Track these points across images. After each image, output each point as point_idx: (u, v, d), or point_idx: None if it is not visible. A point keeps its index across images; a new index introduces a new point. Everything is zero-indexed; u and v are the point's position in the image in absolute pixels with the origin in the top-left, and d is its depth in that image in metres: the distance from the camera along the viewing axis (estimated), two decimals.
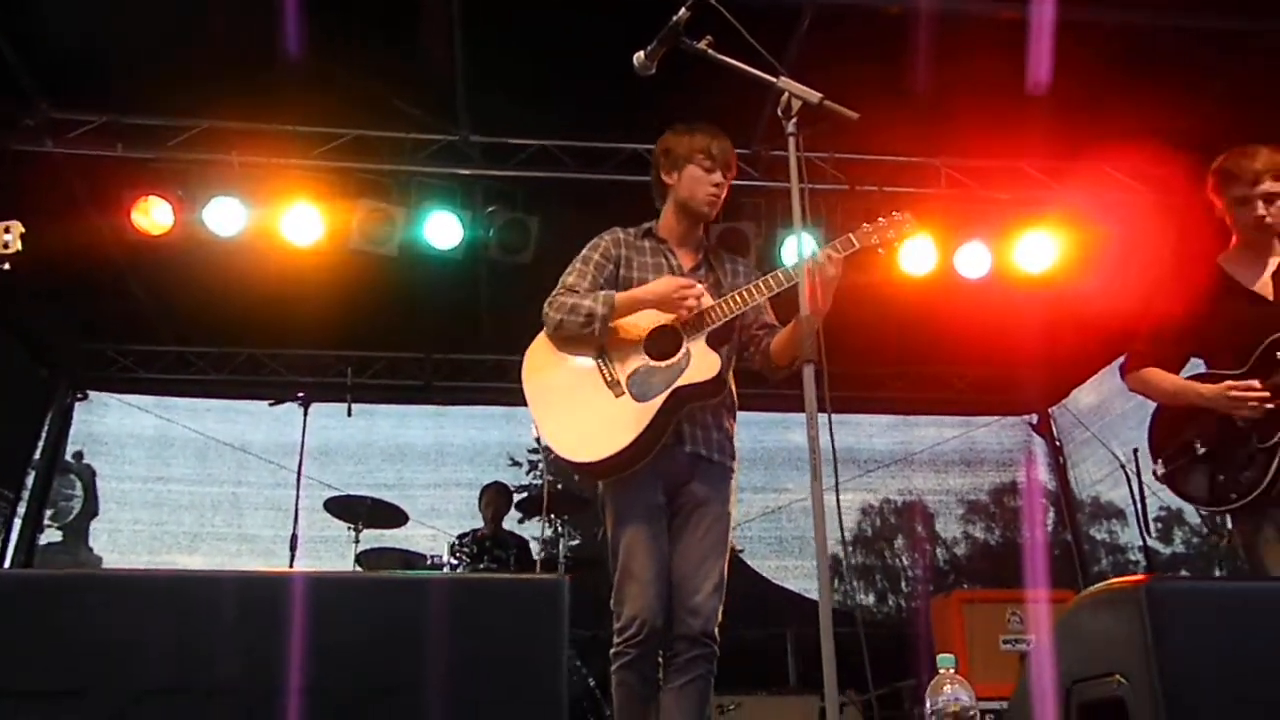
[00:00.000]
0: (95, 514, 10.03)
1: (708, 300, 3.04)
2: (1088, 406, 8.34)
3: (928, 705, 2.18)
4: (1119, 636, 1.27)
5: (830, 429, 2.31)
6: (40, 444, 7.48)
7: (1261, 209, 3.09)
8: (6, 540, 7.03)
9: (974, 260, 6.32)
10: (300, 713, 1.14)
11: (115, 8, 4.90)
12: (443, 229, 5.93)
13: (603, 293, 3.06)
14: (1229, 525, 3.16)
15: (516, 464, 18.43)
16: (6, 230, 2.70)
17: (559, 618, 1.21)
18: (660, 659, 3.04)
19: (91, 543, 10.33)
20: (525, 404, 3.12)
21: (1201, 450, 3.09)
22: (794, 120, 2.51)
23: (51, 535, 8.95)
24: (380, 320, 7.23)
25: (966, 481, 9.73)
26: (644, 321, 3.05)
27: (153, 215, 5.63)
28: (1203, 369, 3.25)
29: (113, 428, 8.23)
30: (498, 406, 8.51)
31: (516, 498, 6.55)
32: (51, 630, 1.16)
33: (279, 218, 5.77)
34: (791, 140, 2.51)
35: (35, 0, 4.90)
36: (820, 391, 2.31)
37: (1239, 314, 3.14)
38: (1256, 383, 3.00)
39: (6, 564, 6.82)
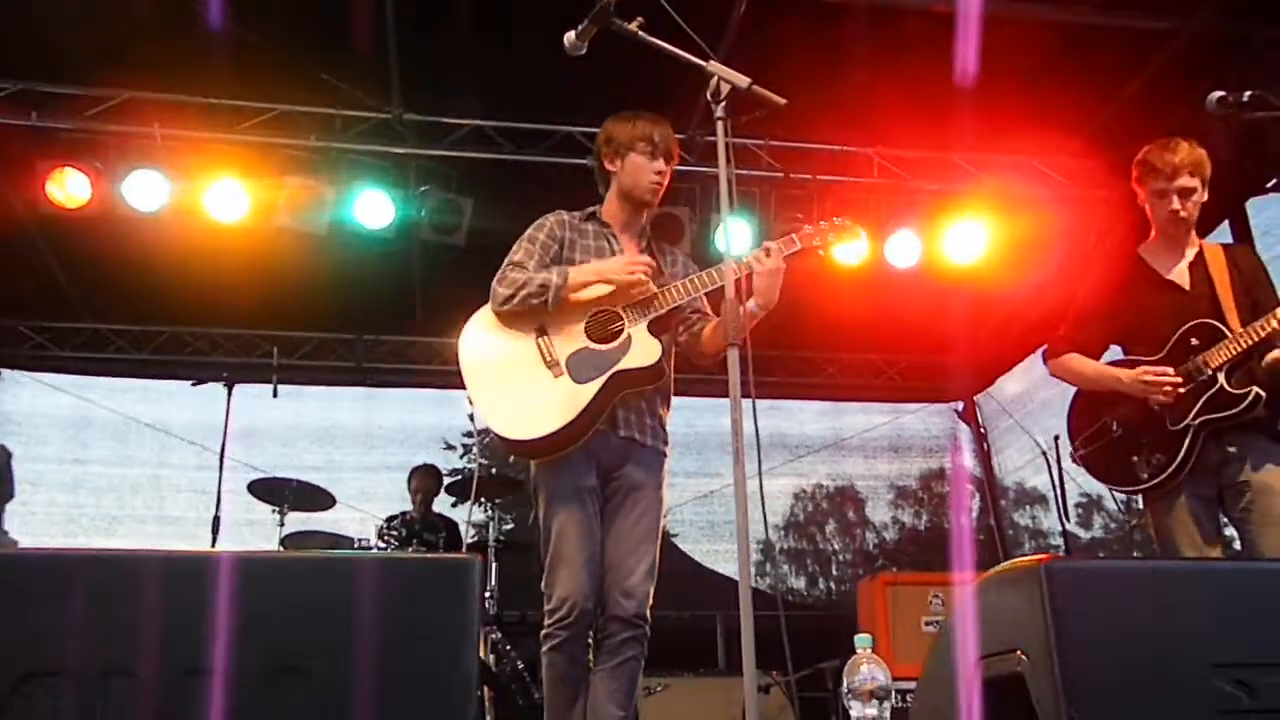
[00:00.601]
0: (11, 496, 9.69)
1: (651, 288, 3.06)
2: (1012, 395, 8.55)
3: (845, 684, 2.22)
4: (1021, 614, 1.30)
5: (755, 413, 2.33)
6: None
7: (1176, 203, 3.19)
8: None
9: (904, 250, 6.41)
10: (211, 693, 1.12)
11: None
12: (374, 208, 5.83)
13: (558, 266, 3.06)
14: (1142, 507, 3.27)
15: (450, 448, 18.27)
16: None
17: (470, 597, 1.21)
18: (591, 641, 3.05)
19: (6, 525, 9.99)
20: (459, 386, 3.10)
21: (1118, 432, 3.19)
22: (723, 105, 2.51)
23: None
24: (309, 300, 7.09)
25: (895, 467, 9.90)
26: (586, 305, 3.04)
27: (69, 187, 5.43)
28: (1121, 355, 3.35)
29: (26, 407, 7.97)
30: (430, 389, 8.42)
31: (447, 481, 6.49)
32: None
33: (203, 193, 5.61)
34: (720, 124, 2.52)
35: None
36: (745, 375, 2.32)
37: (1156, 303, 3.24)
38: (1170, 369, 3.10)
39: None
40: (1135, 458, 3.15)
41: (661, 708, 5.27)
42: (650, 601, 3.02)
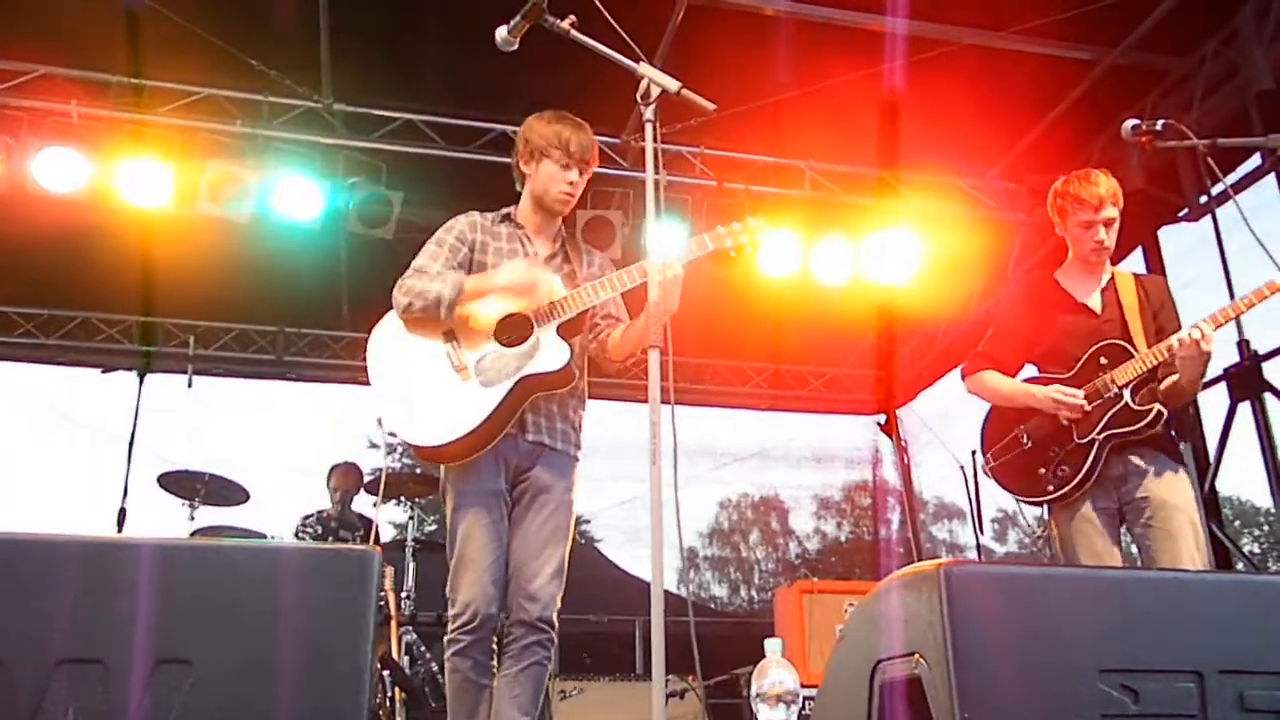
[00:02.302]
0: None
1: (560, 290, 3.02)
2: (932, 410, 8.72)
3: (754, 688, 2.23)
4: (920, 617, 1.32)
5: (673, 416, 2.33)
6: None
7: (1103, 234, 3.29)
8: None
9: (832, 264, 6.50)
10: (85, 683, 1.07)
11: None
12: (300, 198, 5.70)
13: (452, 276, 2.98)
14: (1048, 518, 3.35)
15: (375, 446, 18.01)
16: None
17: (368, 589, 1.18)
18: (496, 645, 3.01)
19: None
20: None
21: (1027, 445, 3.29)
22: (652, 107, 2.50)
23: None
24: (230, 290, 6.93)
25: (818, 478, 10.03)
26: (495, 308, 3.00)
27: None
28: (1035, 374, 3.44)
29: None
30: (356, 385, 8.27)
31: (368, 479, 6.38)
32: None
33: (120, 175, 5.43)
34: (649, 127, 2.51)
35: None
36: (665, 380, 2.32)
37: (1069, 324, 3.35)
38: (1078, 388, 3.20)
39: None
40: (1043, 470, 3.25)
41: (577, 712, 5.25)
42: (557, 605, 2.98)
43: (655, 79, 2.49)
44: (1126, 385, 3.18)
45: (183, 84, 5.42)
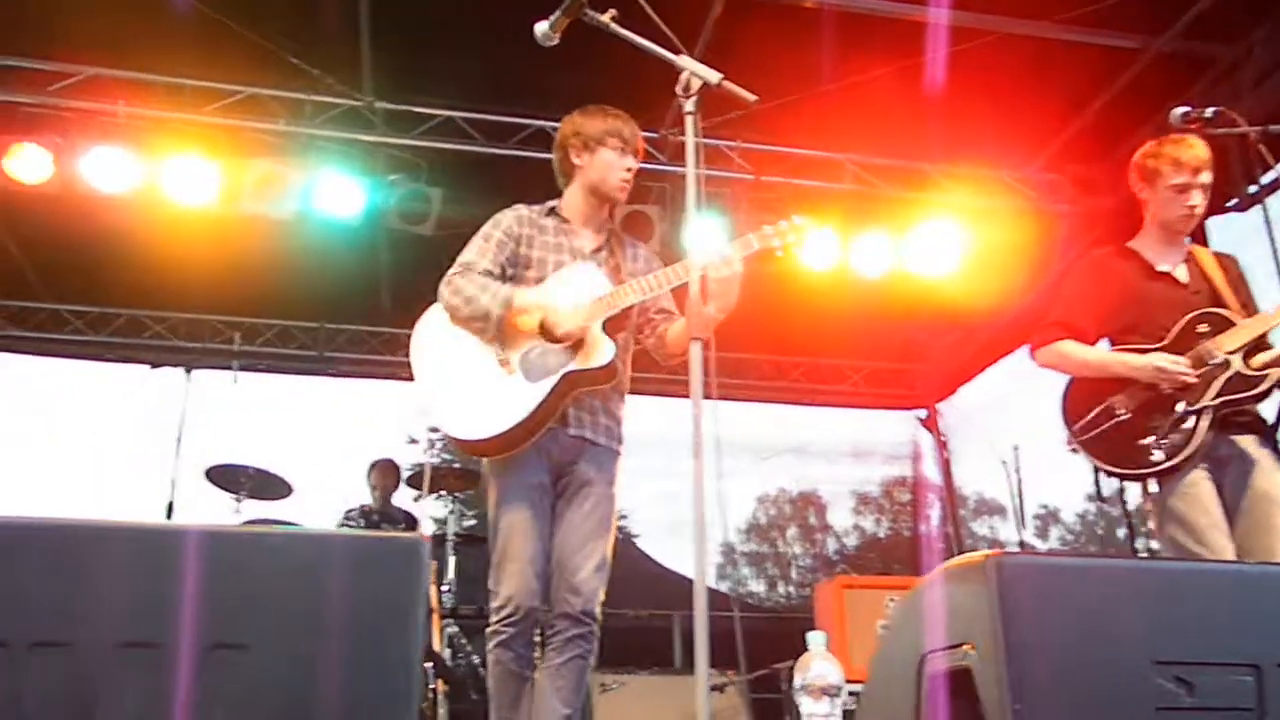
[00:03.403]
0: None
1: (605, 286, 3.02)
2: (974, 404, 8.64)
3: (796, 680, 2.22)
4: (969, 608, 1.31)
5: (715, 408, 2.32)
6: None
7: (1197, 199, 3.19)
8: None
9: (873, 257, 6.46)
10: (143, 665, 1.10)
11: None
12: (342, 196, 5.77)
13: (502, 292, 2.97)
14: (1154, 491, 3.19)
15: (414, 441, 18.18)
16: None
17: (416, 577, 1.19)
18: (539, 638, 3.03)
19: None
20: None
21: (1124, 416, 3.12)
22: (692, 99, 2.49)
23: None
24: (273, 287, 7.02)
25: (858, 473, 9.98)
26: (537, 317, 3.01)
27: (28, 163, 5.33)
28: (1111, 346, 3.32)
29: None
30: (396, 381, 8.35)
31: (407, 474, 6.44)
32: None
33: (167, 174, 5.53)
34: (689, 119, 2.50)
35: None
36: (707, 373, 2.32)
37: (1154, 293, 3.22)
38: (1184, 358, 3.10)
39: None
40: (1146, 440, 3.09)
41: (617, 705, 5.27)
42: (600, 598, 3.00)
43: (696, 71, 2.48)
44: (1235, 352, 3.06)
45: (227, 83, 5.48)
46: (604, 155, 3.14)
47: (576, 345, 2.97)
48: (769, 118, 5.40)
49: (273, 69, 5.40)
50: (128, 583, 1.09)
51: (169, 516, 5.18)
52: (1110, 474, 3.20)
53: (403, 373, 8.32)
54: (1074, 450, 3.24)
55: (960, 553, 8.85)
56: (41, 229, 6.33)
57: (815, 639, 2.31)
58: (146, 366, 5.86)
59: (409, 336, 3.13)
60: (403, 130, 5.79)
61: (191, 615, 1.11)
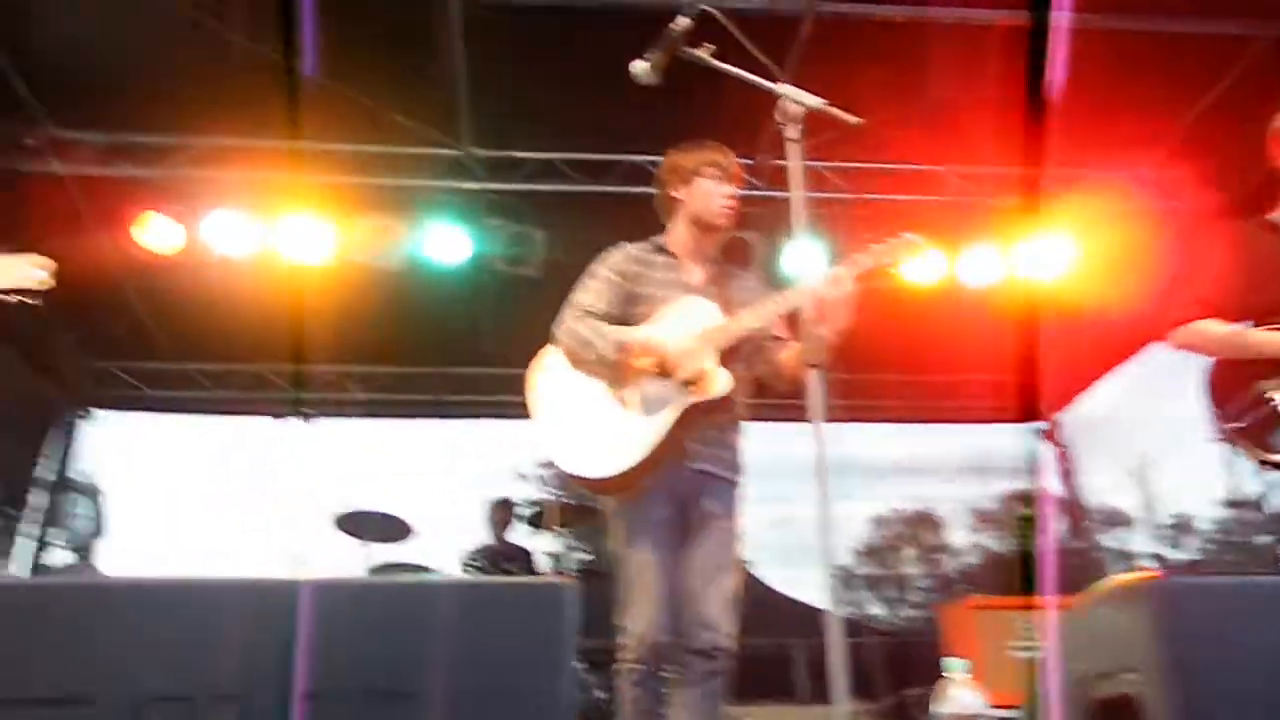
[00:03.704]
0: (102, 533, 10.03)
1: (717, 318, 3.03)
2: (1096, 413, 8.33)
3: (935, 709, 2.16)
4: (1131, 633, 1.25)
5: (835, 434, 2.29)
6: (43, 462, 7.49)
7: None
8: (9, 555, 7.03)
9: (980, 268, 6.32)
10: (304, 717, 1.14)
11: (116, 26, 4.93)
12: (447, 243, 5.95)
13: (616, 336, 3.01)
14: (1265, 499, 3.00)
15: (523, 477, 18.45)
16: (40, 266, 2.72)
17: (563, 621, 1.21)
18: (669, 673, 3.02)
19: (100, 562, 10.33)
20: (530, 417, 3.11)
21: (1277, 402, 2.92)
22: (794, 126, 2.50)
23: (64, 556, 8.94)
24: (386, 335, 7.24)
25: (976, 490, 9.70)
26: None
27: (156, 232, 5.65)
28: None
29: (119, 445, 8.25)
30: (504, 420, 8.51)
31: (524, 511, 6.53)
32: (61, 638, 1.16)
33: (282, 233, 5.79)
34: (792, 147, 2.51)
35: (39, 22, 4.94)
36: (826, 397, 2.30)
37: None
38: None
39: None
40: None
41: None
42: (730, 632, 2.98)
43: (796, 98, 2.49)
44: None
45: (335, 143, 5.71)
46: (702, 185, 3.17)
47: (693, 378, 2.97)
48: (864, 135, 5.34)
49: (376, 126, 5.60)
50: (306, 636, 1.14)
51: (301, 564, 5.36)
52: (1264, 464, 2.95)
53: (512, 412, 8.50)
54: (1223, 440, 3.02)
55: (1091, 567, 8.51)
56: (168, 293, 6.69)
57: (953, 666, 2.25)
58: (272, 419, 6.09)
59: (517, 376, 3.19)
60: (503, 175, 5.94)
61: (347, 664, 1.15)
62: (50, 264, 2.80)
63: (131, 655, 1.17)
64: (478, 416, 8.52)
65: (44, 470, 7.52)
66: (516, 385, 8.32)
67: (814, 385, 2.35)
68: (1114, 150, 5.96)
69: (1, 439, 7.01)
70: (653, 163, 5.88)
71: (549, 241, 6.01)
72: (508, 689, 1.17)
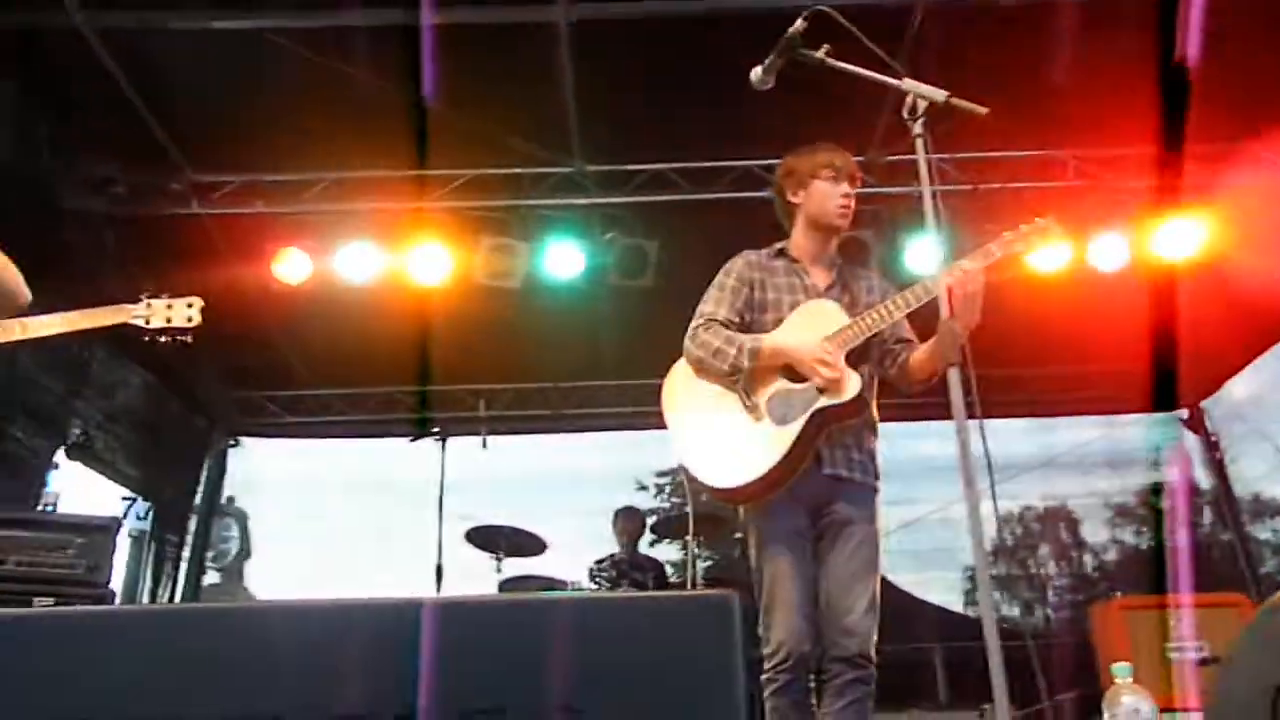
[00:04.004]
0: (250, 555, 10.54)
1: (843, 320, 3.00)
2: (1244, 398, 7.88)
3: (1105, 716, 2.08)
4: None
5: (983, 434, 2.24)
6: (200, 490, 7.92)
7: None
8: (175, 581, 7.45)
9: (1110, 252, 6.08)
10: None
11: (246, 74, 5.20)
12: (563, 259, 6.06)
13: (748, 345, 3.01)
14: None
15: (643, 488, 18.55)
16: (189, 305, 2.90)
17: (733, 633, 1.21)
18: (814, 683, 2.99)
19: (247, 583, 10.85)
20: (650, 428, 3.14)
21: None
22: (920, 121, 2.46)
23: (212, 577, 9.43)
24: (508, 352, 7.41)
25: (1113, 484, 9.32)
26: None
27: (291, 266, 5.92)
28: None
29: (263, 471, 8.64)
30: (624, 432, 8.59)
31: (651, 521, 6.56)
32: (193, 662, 1.21)
33: (408, 260, 5.99)
34: (919, 142, 2.47)
35: (176, 76, 5.24)
36: (970, 396, 2.25)
37: None
38: None
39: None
40: None
41: None
42: (874, 640, 2.93)
43: (920, 92, 2.45)
44: None
45: (452, 169, 5.88)
46: (818, 186, 3.15)
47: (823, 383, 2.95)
48: (980, 123, 5.20)
49: (490, 149, 5.73)
50: (481, 654, 1.17)
51: (439, 579, 5.51)
52: None
53: (631, 423, 8.55)
54: None
55: (1246, 561, 8.04)
56: (303, 323, 7.00)
57: (1120, 671, 2.16)
58: (406, 440, 6.28)
59: (635, 387, 3.21)
60: (614, 189, 6.00)
61: (529, 682, 1.18)
62: (199, 302, 2.96)
63: (256, 676, 1.21)
64: (598, 429, 8.62)
65: (199, 498, 7.95)
66: (635, 396, 8.43)
67: (953, 384, 2.30)
68: (1254, 121, 5.64)
69: (164, 470, 7.45)
70: (763, 167, 5.90)
71: (662, 252, 6.05)
72: (680, 705, 1.18)
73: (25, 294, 2.87)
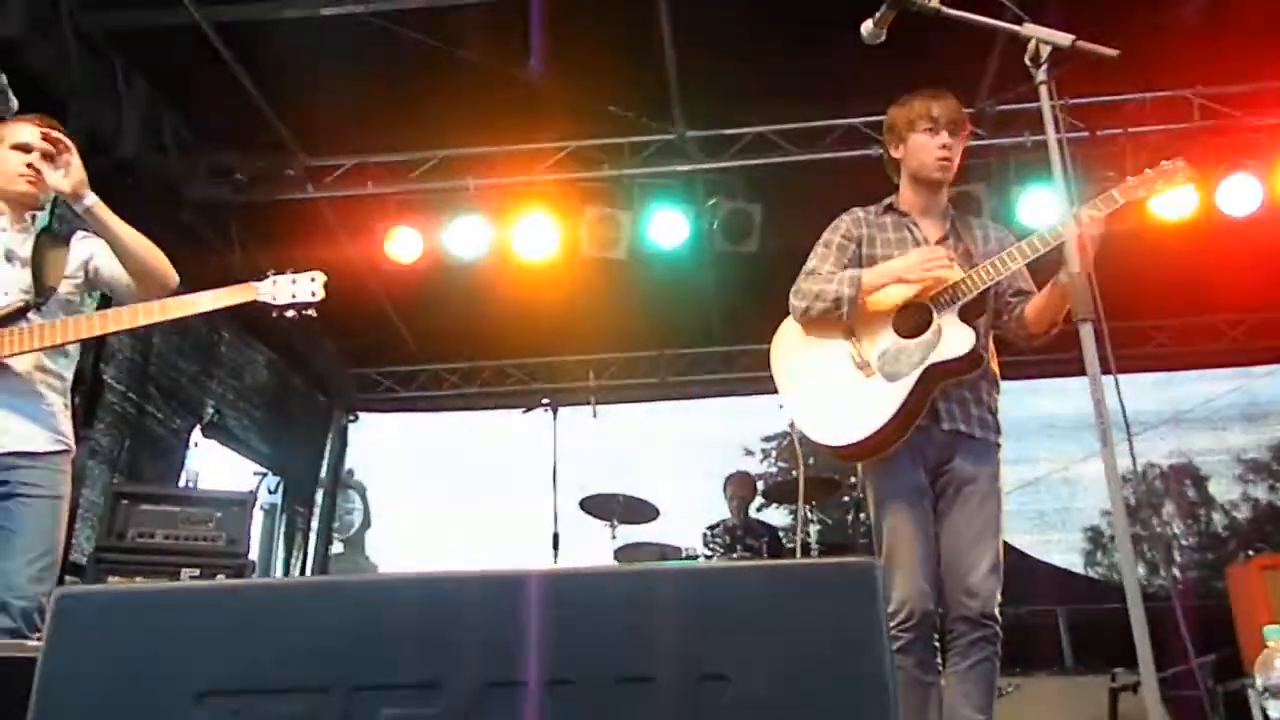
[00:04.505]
0: (369, 526, 10.96)
1: (957, 272, 2.92)
2: None
3: (1258, 680, 2.01)
4: None
5: (1118, 390, 2.16)
6: (324, 464, 8.25)
7: None
8: (305, 552, 7.80)
9: (1241, 195, 5.76)
10: (638, 700, 1.19)
11: (354, 59, 5.33)
12: (668, 227, 6.05)
13: (848, 273, 2.99)
14: None
15: (750, 454, 18.53)
16: (312, 280, 3.00)
17: (877, 600, 1.20)
18: (939, 643, 2.96)
19: (368, 552, 11.29)
20: (756, 393, 3.13)
21: None
22: (1044, 68, 2.36)
23: (336, 547, 9.82)
24: (614, 322, 7.46)
25: (1246, 438, 8.91)
26: (891, 299, 2.96)
27: (402, 244, 6.06)
28: None
29: (380, 445, 8.94)
30: (731, 398, 8.59)
31: (762, 486, 6.56)
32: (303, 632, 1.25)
33: (514, 234, 6.07)
34: (1043, 89, 2.38)
35: (288, 63, 5.40)
36: (1102, 350, 2.17)
37: None
38: None
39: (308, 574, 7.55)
40: None
41: (1016, 710, 4.98)
42: (998, 599, 2.88)
43: (1044, 37, 2.35)
44: None
45: (555, 142, 5.92)
46: (915, 139, 3.07)
47: (935, 336, 2.89)
48: (1092, 68, 4.96)
49: (591, 120, 5.75)
50: (629, 623, 1.20)
51: (555, 548, 5.62)
52: None
53: (738, 389, 8.52)
54: None
55: None
56: (416, 300, 7.19)
57: (1273, 634, 2.07)
58: (518, 411, 6.40)
59: (740, 353, 3.20)
60: (716, 154, 5.95)
61: (678, 650, 1.20)
62: (321, 276, 3.06)
63: (371, 646, 1.25)
64: (704, 396, 8.63)
65: (324, 471, 8.28)
66: (738, 361, 8.40)
67: (1086, 337, 2.22)
68: None
69: (291, 446, 7.79)
70: (866, 123, 5.77)
71: (767, 216, 5.98)
72: (827, 672, 1.18)
73: (174, 277, 3.02)
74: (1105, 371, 2.17)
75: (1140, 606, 1.94)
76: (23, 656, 1.98)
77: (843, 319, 2.95)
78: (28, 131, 2.94)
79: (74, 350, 3.03)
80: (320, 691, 1.21)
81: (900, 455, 2.91)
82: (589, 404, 6.17)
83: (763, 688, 1.18)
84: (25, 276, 2.89)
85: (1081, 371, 2.18)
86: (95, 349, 5.14)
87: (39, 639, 2.25)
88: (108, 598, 1.29)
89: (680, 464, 8.63)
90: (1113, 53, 2.31)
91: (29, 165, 2.90)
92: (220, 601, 1.29)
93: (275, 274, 3.02)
